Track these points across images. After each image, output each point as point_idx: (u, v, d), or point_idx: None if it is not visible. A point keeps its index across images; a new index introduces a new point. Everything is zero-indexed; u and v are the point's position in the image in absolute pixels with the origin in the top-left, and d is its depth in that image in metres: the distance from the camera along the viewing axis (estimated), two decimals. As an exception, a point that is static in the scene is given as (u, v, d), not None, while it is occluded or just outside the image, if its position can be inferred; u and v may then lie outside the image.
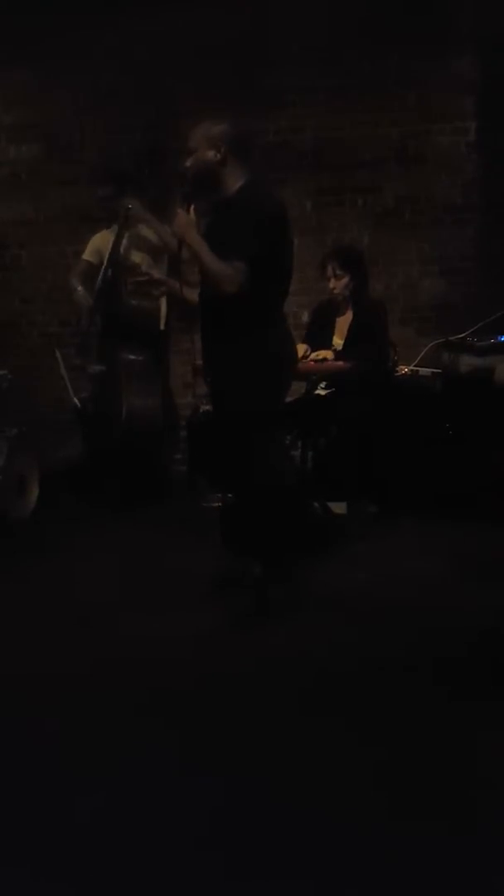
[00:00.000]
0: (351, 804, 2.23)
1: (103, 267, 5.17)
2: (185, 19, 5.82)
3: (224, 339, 3.53)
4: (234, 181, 3.52)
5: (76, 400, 5.32)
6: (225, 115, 3.61)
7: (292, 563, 3.79)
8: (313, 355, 4.71)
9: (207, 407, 4.82)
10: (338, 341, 4.83)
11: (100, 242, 5.38)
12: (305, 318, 5.28)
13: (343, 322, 4.85)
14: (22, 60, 6.12)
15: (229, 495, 4.07)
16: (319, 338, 4.87)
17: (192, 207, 3.53)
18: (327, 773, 2.38)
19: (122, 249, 5.14)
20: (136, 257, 5.20)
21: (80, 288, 5.33)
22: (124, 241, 5.15)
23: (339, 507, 4.85)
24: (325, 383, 4.79)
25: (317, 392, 4.81)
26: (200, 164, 3.49)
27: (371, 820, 2.16)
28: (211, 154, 3.47)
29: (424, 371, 5.13)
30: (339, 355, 4.76)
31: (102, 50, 5.94)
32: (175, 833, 2.14)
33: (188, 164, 3.53)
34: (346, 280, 4.77)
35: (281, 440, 4.49)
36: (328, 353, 4.72)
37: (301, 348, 4.76)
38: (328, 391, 4.77)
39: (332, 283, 4.79)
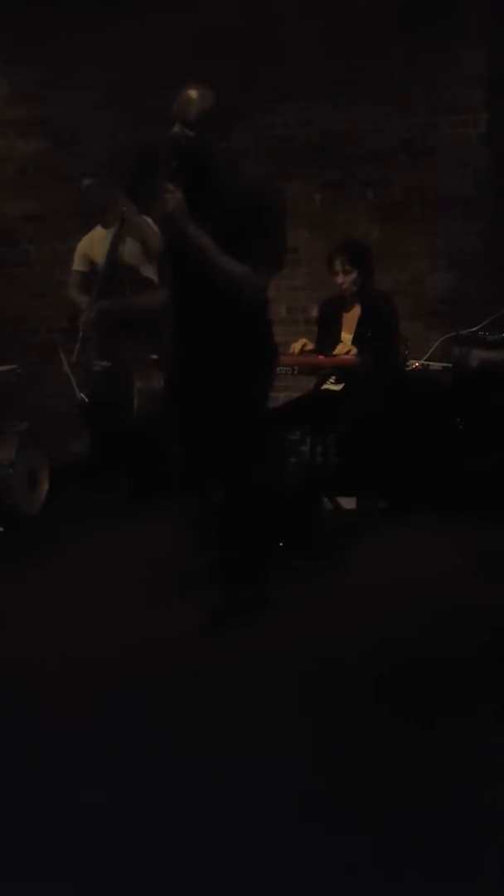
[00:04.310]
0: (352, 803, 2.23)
1: (101, 269, 5.19)
2: (192, 14, 5.80)
3: (221, 334, 3.24)
4: (223, 161, 3.21)
5: (82, 396, 5.33)
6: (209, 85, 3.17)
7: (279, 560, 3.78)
8: (338, 348, 4.64)
9: None
10: (346, 336, 4.81)
11: (86, 248, 5.40)
12: (315, 312, 5.27)
13: (351, 317, 4.83)
14: (29, 56, 6.12)
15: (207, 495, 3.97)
16: (328, 333, 4.85)
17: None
18: (329, 770, 2.38)
19: (118, 251, 5.17)
20: (130, 258, 5.21)
21: (82, 298, 5.36)
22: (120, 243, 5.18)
23: (348, 503, 4.84)
24: (334, 378, 4.77)
25: (325, 387, 4.80)
26: (202, 141, 3.09)
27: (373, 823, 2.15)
28: (212, 133, 3.09)
29: (435, 365, 5.10)
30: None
31: (109, 45, 5.92)
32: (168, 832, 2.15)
33: (184, 135, 3.09)
34: (354, 275, 4.74)
35: (276, 437, 4.49)
36: (350, 347, 4.65)
37: (300, 343, 4.76)
38: (337, 386, 4.76)
39: (340, 279, 4.76)
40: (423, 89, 5.80)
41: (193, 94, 3.11)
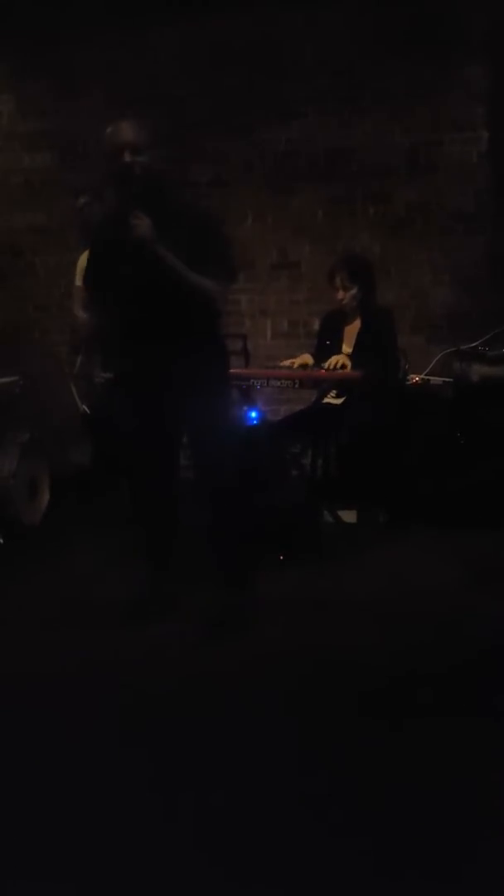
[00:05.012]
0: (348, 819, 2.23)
1: None
2: (199, 30, 5.86)
3: (185, 342, 3.37)
4: (172, 185, 3.54)
5: (84, 407, 5.35)
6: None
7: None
8: (331, 362, 4.65)
9: None
10: (346, 350, 4.83)
11: (85, 265, 5.43)
12: (316, 326, 5.30)
13: (351, 331, 4.84)
14: (35, 70, 6.18)
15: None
16: (328, 347, 4.86)
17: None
18: (328, 770, 2.38)
19: None
20: None
21: (82, 314, 5.38)
22: None
23: (349, 516, 4.84)
24: (335, 392, 4.79)
25: (326, 400, 4.82)
26: (154, 167, 3.31)
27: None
28: (155, 157, 3.31)
29: (436, 380, 5.12)
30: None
31: (116, 60, 5.98)
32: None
33: (137, 162, 3.26)
34: (354, 291, 4.74)
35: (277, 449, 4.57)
36: (344, 360, 4.65)
37: (301, 359, 4.80)
38: (338, 399, 4.77)
39: (340, 295, 4.77)
40: (426, 106, 5.86)
41: (133, 123, 3.33)
